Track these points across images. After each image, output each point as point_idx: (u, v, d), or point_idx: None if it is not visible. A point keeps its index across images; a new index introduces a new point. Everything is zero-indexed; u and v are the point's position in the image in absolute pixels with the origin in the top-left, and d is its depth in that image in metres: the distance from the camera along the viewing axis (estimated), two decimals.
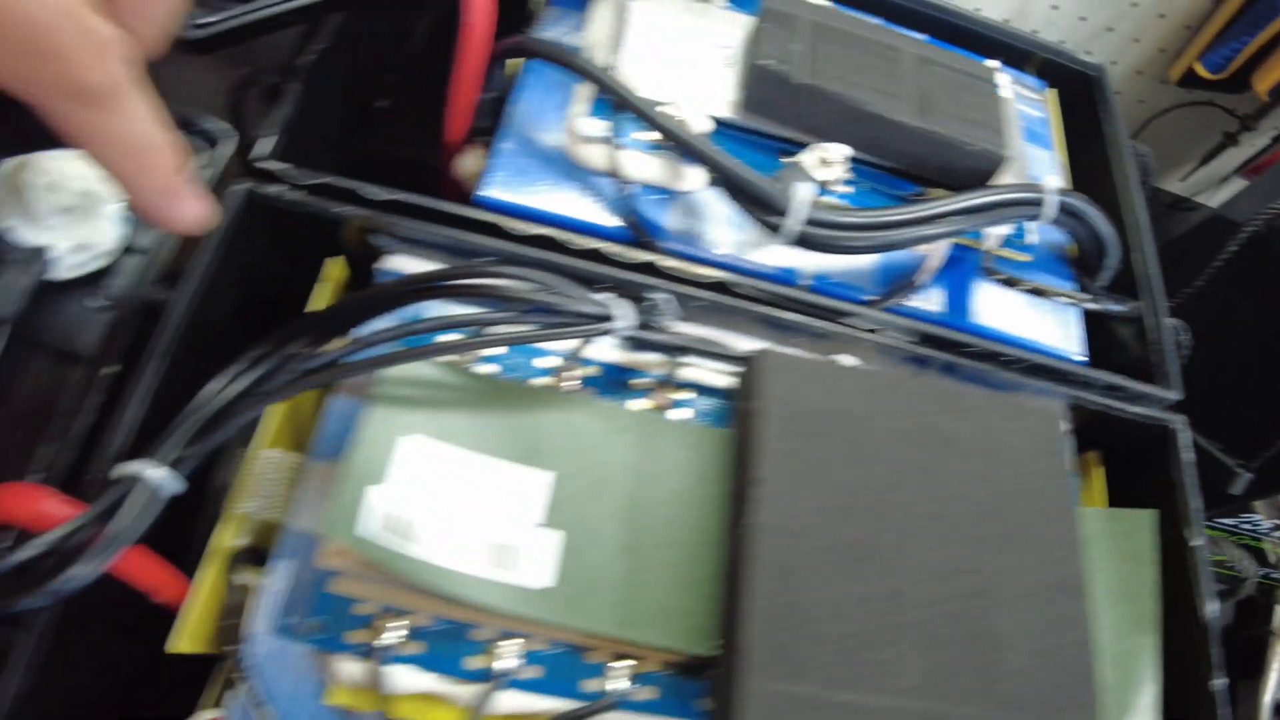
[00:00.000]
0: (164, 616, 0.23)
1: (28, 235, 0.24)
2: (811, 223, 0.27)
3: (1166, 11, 0.48)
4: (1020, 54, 0.38)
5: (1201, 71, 0.48)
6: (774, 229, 0.27)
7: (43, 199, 0.24)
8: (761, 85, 0.29)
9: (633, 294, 0.25)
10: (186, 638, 0.22)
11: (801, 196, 0.26)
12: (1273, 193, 0.41)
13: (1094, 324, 0.32)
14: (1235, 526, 0.42)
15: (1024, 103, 0.36)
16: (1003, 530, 0.24)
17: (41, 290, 0.24)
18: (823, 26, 0.30)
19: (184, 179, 0.18)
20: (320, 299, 0.27)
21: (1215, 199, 0.57)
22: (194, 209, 0.18)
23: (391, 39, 0.36)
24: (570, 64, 0.27)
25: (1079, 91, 0.38)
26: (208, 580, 0.23)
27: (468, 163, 0.30)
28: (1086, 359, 0.31)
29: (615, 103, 0.27)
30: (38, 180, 0.24)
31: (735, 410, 0.25)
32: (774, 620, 0.21)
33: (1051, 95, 0.38)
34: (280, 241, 0.28)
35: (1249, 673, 0.47)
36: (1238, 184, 0.55)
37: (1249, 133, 0.50)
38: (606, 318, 0.24)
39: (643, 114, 0.26)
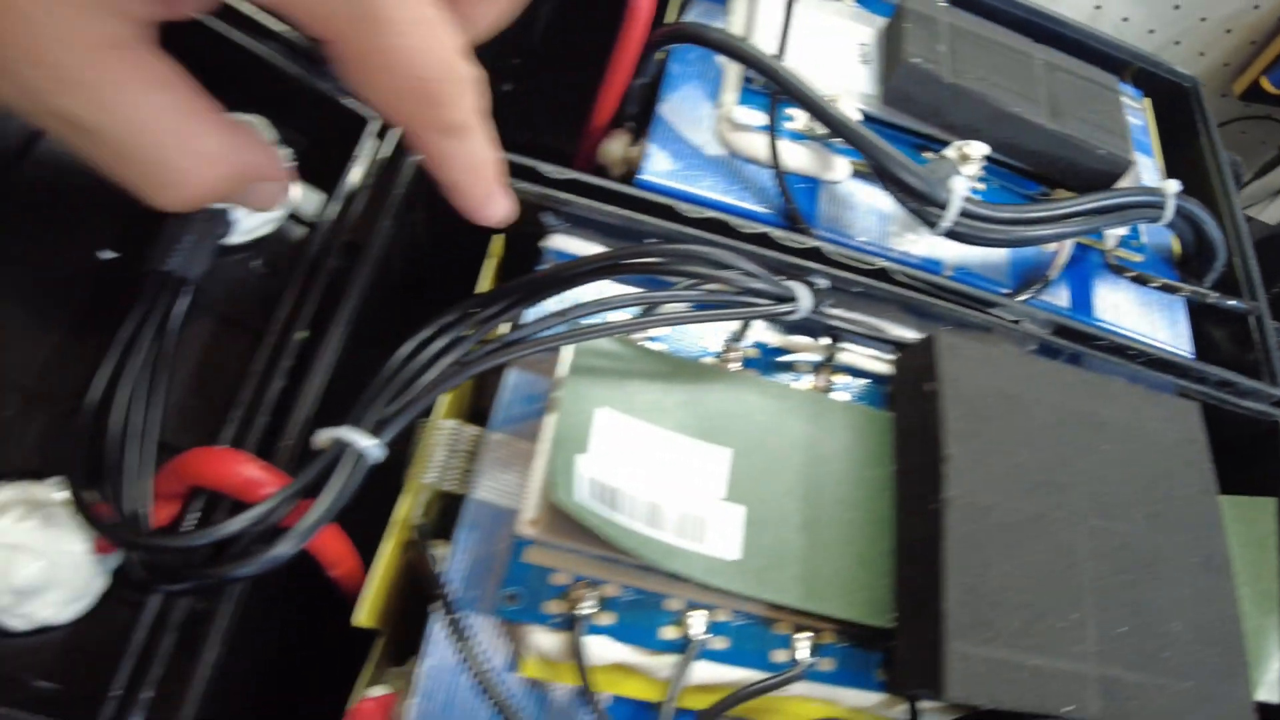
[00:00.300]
0: (325, 588, 0.23)
1: None
2: (968, 218, 0.28)
3: (1233, 27, 0.50)
4: (1117, 63, 0.39)
5: (1268, 86, 0.50)
6: (931, 221, 0.28)
7: None
8: (908, 81, 0.30)
9: (799, 276, 0.26)
10: (366, 612, 0.22)
11: (959, 192, 0.27)
12: None
13: (1195, 324, 0.34)
14: None
15: (1129, 111, 0.38)
16: (1154, 509, 0.25)
17: (218, 253, 0.24)
18: (960, 29, 0.31)
19: (502, 184, 0.21)
20: (487, 274, 0.27)
21: (1266, 213, 0.59)
22: (505, 207, 0.22)
23: (516, 24, 0.37)
24: (741, 53, 0.28)
25: (1172, 102, 0.40)
26: (390, 551, 0.23)
27: (614, 148, 0.31)
28: (1194, 354, 0.32)
29: (779, 93, 0.28)
30: None
31: (900, 392, 0.26)
32: (968, 589, 0.22)
33: (1147, 104, 0.39)
34: (437, 216, 0.28)
35: None
36: None
37: None
38: (791, 299, 0.24)
39: (814, 104, 0.27)
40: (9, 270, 0.23)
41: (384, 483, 0.24)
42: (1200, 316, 0.34)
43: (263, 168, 0.20)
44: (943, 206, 0.27)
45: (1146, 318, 0.32)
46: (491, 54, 0.36)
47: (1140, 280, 0.31)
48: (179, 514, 0.21)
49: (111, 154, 0.16)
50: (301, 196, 0.26)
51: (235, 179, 0.19)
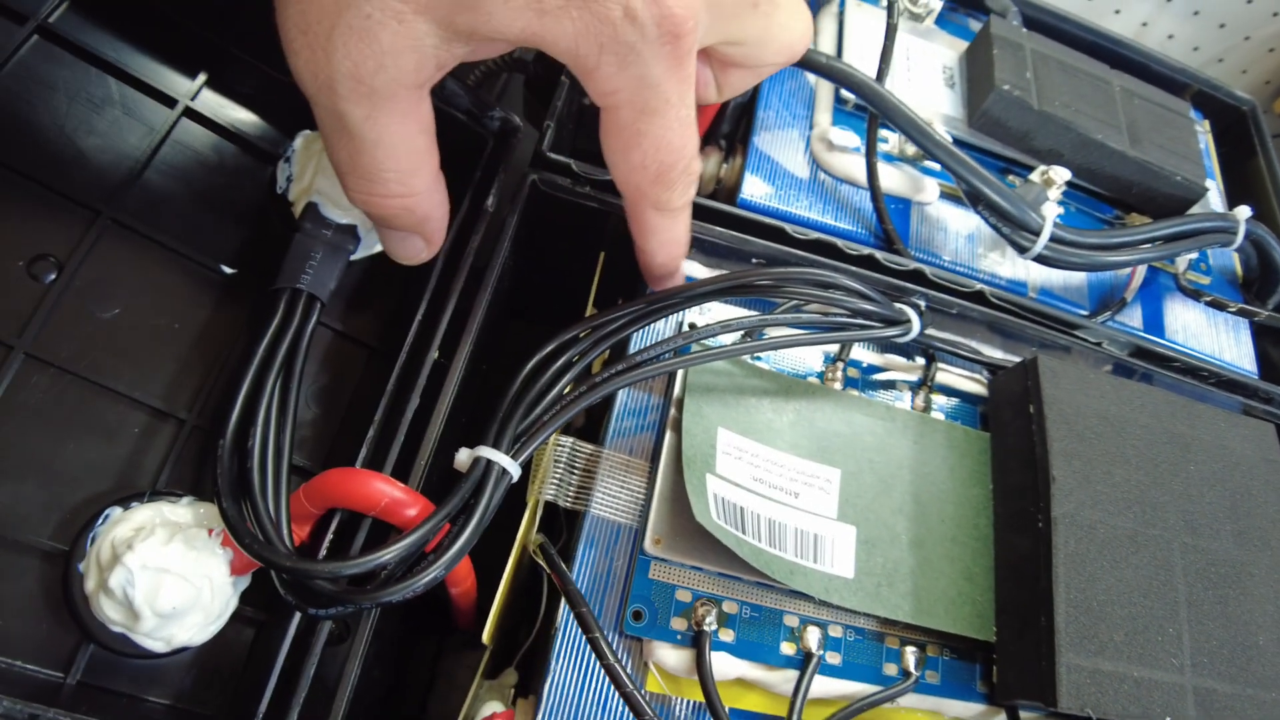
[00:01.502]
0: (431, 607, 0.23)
1: (338, 210, 0.24)
2: (1052, 240, 0.28)
3: (1277, 46, 0.51)
4: (1177, 85, 0.40)
5: None
6: (1022, 246, 0.28)
7: None
8: (998, 107, 0.30)
9: (904, 297, 0.27)
10: (491, 630, 0.23)
11: (1051, 217, 0.28)
12: None
13: (1257, 345, 0.35)
14: None
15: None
16: (1239, 527, 0.26)
17: (344, 270, 0.25)
18: (1042, 55, 0.32)
19: (682, 261, 0.24)
20: (597, 292, 0.27)
21: None
22: (678, 280, 0.25)
23: None
24: (846, 76, 0.28)
25: (1229, 123, 0.40)
26: (509, 573, 0.23)
27: (706, 166, 0.31)
28: (1260, 375, 0.33)
29: (877, 115, 0.28)
30: None
31: (996, 412, 0.27)
32: (1076, 604, 0.22)
33: (1206, 126, 0.40)
34: (543, 231, 0.28)
35: None
36: None
37: None
38: (904, 321, 0.25)
39: (916, 127, 0.27)
40: (131, 287, 0.23)
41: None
42: (1262, 337, 0.35)
43: (436, 225, 0.21)
44: (1034, 232, 0.28)
45: (1214, 339, 0.33)
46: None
47: (1217, 305, 0.32)
48: (311, 533, 0.22)
49: (348, 152, 0.18)
50: None
51: (413, 221, 0.20)
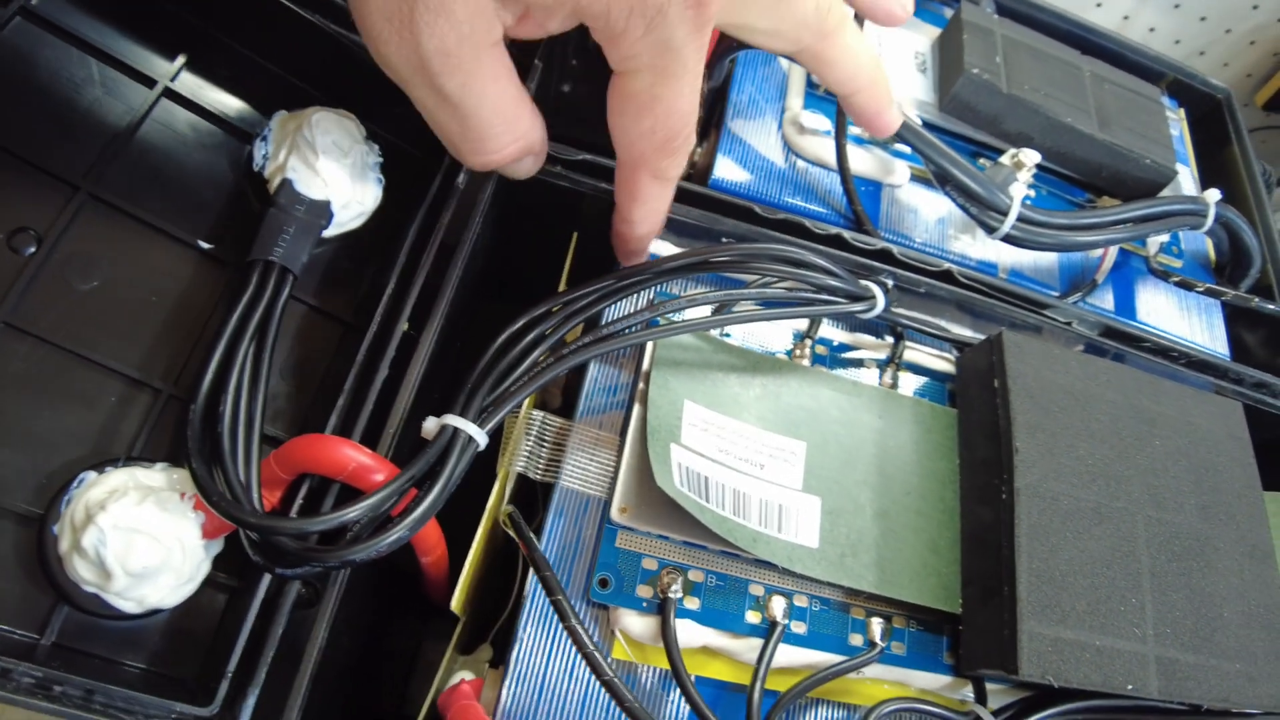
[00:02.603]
0: (403, 576, 0.24)
1: (310, 188, 0.24)
2: (1021, 221, 0.29)
3: (1257, 39, 0.51)
4: (1154, 74, 0.40)
5: None
6: (990, 226, 0.29)
7: (328, 151, 0.25)
8: (968, 91, 0.31)
9: (871, 278, 0.27)
10: (461, 600, 0.23)
11: (1018, 198, 0.29)
12: None
13: (1229, 327, 0.35)
14: None
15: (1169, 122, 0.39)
16: (1204, 501, 0.26)
17: (318, 244, 0.25)
18: (1013, 40, 0.32)
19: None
20: (569, 272, 0.28)
21: None
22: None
23: (576, 35, 0.37)
24: None
25: (1205, 112, 0.41)
26: (478, 543, 0.24)
27: None
28: (1231, 356, 0.34)
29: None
30: (321, 132, 0.25)
31: (963, 388, 0.27)
32: (1039, 573, 0.23)
33: (1182, 114, 0.40)
34: (516, 212, 0.29)
35: None
36: None
37: None
38: (868, 297, 0.25)
39: None
40: (110, 260, 0.23)
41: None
42: (1234, 320, 0.35)
43: (540, 144, 0.23)
44: (1002, 212, 0.28)
45: (1186, 320, 0.34)
46: (552, 55, 0.37)
47: (1185, 285, 0.32)
48: (281, 500, 0.22)
49: (457, 122, 0.20)
50: (385, 194, 0.27)
51: (525, 152, 0.22)
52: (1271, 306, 0.32)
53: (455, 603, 0.23)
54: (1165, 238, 0.34)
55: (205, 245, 0.24)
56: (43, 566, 0.20)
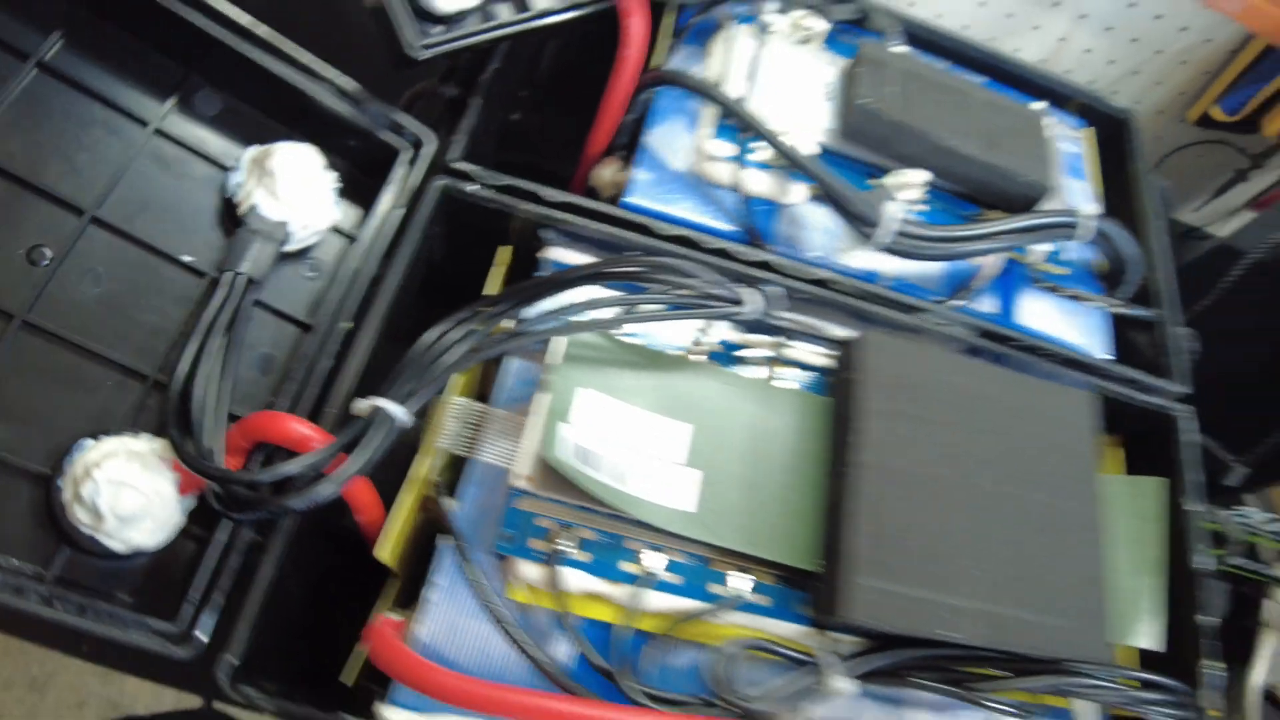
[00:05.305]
0: (349, 533, 0.28)
1: (272, 210, 0.30)
2: (898, 234, 0.33)
3: (1188, 59, 0.54)
4: (1062, 97, 0.44)
5: (1217, 114, 0.54)
6: (867, 238, 0.33)
7: (287, 180, 0.30)
8: (859, 119, 0.35)
9: (753, 284, 0.31)
10: (388, 549, 0.28)
11: (891, 213, 0.33)
12: (1275, 225, 0.48)
13: (1119, 331, 0.38)
14: (1228, 519, 0.48)
15: (1065, 140, 0.42)
16: (1042, 481, 0.30)
17: (279, 258, 0.30)
18: (909, 72, 0.36)
19: None
20: (494, 279, 0.33)
21: (1225, 229, 0.63)
22: None
23: (526, 60, 0.42)
24: (710, 95, 0.33)
25: (1112, 131, 0.44)
26: (409, 500, 0.28)
27: (605, 173, 0.36)
28: (1110, 357, 0.37)
29: (744, 129, 0.33)
30: (284, 165, 0.30)
31: (835, 381, 0.32)
32: (871, 535, 0.27)
33: (1089, 134, 0.44)
34: (457, 228, 0.34)
35: (1239, 659, 0.54)
36: (1246, 216, 0.61)
37: (1258, 170, 0.56)
38: (741, 301, 0.30)
39: (770, 140, 0.32)
40: (110, 271, 0.28)
41: (407, 453, 0.30)
42: (1125, 324, 0.38)
43: None
44: (876, 224, 0.32)
45: (1068, 324, 0.37)
46: (503, 86, 0.42)
47: (1053, 290, 0.36)
48: (244, 463, 0.27)
49: None
50: (342, 214, 0.32)
51: None
52: (1137, 311, 0.36)
53: (380, 549, 0.28)
54: (1049, 247, 0.37)
55: (187, 259, 0.29)
56: (50, 514, 0.26)
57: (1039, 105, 0.43)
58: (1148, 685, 0.29)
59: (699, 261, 0.30)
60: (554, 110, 0.39)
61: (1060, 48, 0.55)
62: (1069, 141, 0.43)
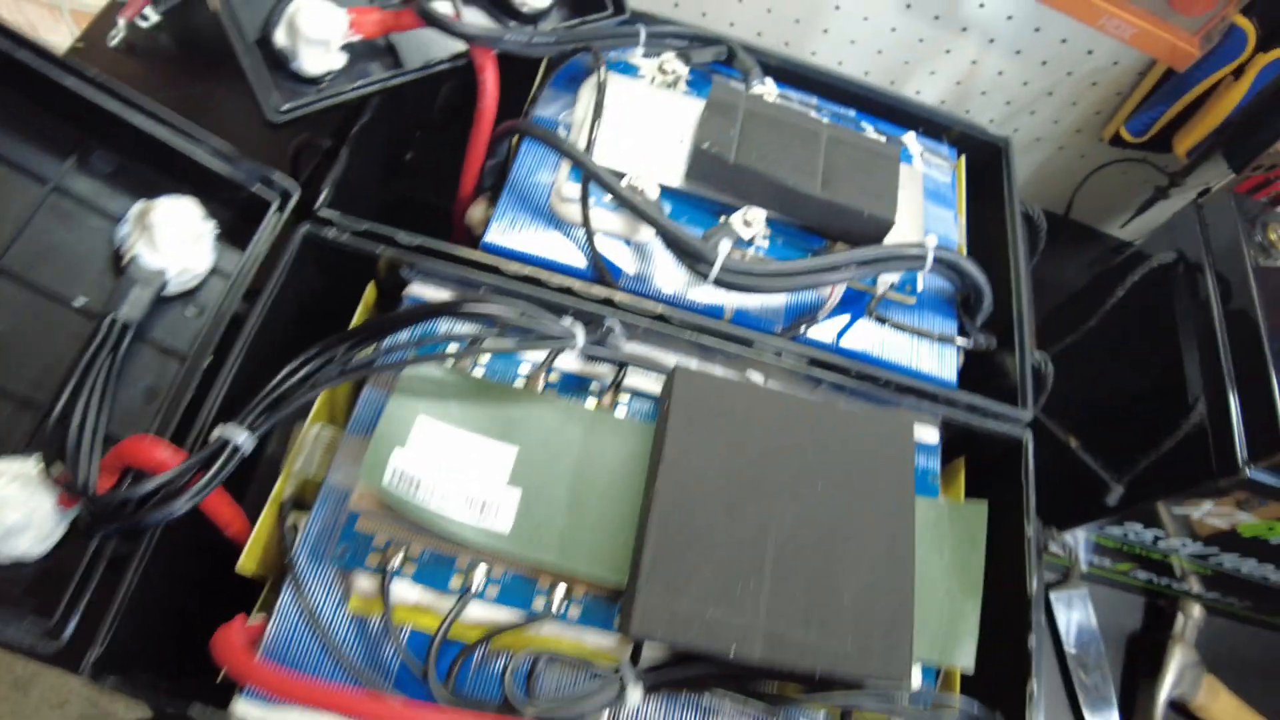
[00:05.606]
0: (226, 550, 0.32)
1: (152, 260, 0.33)
2: (731, 271, 0.35)
3: (1099, 80, 0.55)
4: (939, 126, 0.46)
5: (1126, 135, 0.55)
6: (702, 275, 0.35)
7: (165, 233, 0.33)
8: (701, 163, 0.37)
9: (595, 320, 0.34)
10: (251, 561, 0.31)
11: (722, 251, 0.35)
12: (1164, 243, 0.48)
13: (976, 355, 0.40)
14: (1124, 537, 0.49)
15: (935, 169, 0.44)
16: (854, 505, 0.32)
17: (156, 302, 0.34)
18: (754, 114, 0.39)
19: None
20: (360, 315, 0.36)
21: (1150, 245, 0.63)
22: None
23: (418, 103, 0.46)
24: (554, 144, 0.36)
25: (990, 159, 0.46)
26: (267, 517, 0.32)
27: (475, 212, 0.39)
28: (955, 383, 0.39)
29: (587, 178, 0.36)
30: (162, 219, 0.34)
31: (659, 410, 0.34)
32: (663, 555, 0.29)
33: (961, 162, 0.45)
34: (328, 269, 0.37)
35: (1150, 673, 0.55)
36: None
37: (1177, 188, 0.56)
38: (568, 338, 0.32)
39: (606, 185, 0.35)
40: (11, 313, 0.33)
41: (275, 470, 0.33)
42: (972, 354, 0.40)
43: None
44: (709, 262, 0.35)
45: (914, 352, 0.39)
46: (399, 126, 0.45)
47: (880, 320, 0.38)
48: (117, 483, 0.31)
49: None
50: (224, 258, 0.36)
51: None
52: (961, 341, 0.37)
53: (241, 563, 0.31)
54: (894, 278, 0.39)
55: (79, 303, 0.34)
56: None
57: (907, 135, 0.44)
58: (948, 706, 0.31)
59: (539, 300, 0.33)
60: (447, 147, 0.42)
61: (973, 70, 0.56)
62: (938, 170, 0.44)
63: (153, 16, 0.51)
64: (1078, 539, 0.52)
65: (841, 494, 0.32)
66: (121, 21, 0.58)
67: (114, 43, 0.59)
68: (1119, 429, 0.47)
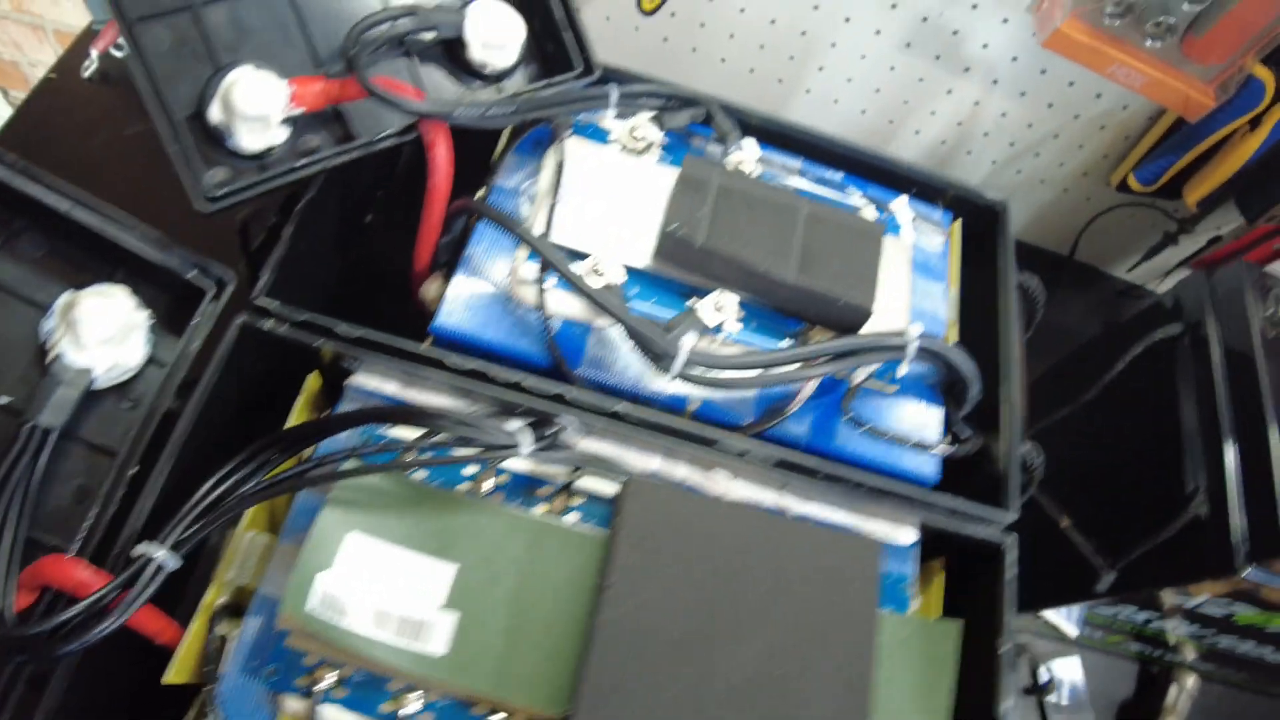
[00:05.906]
0: (162, 654, 0.31)
1: (77, 358, 0.32)
2: (695, 365, 0.33)
3: (1106, 124, 0.51)
4: (934, 189, 0.43)
5: (1134, 184, 0.52)
6: (665, 370, 0.33)
7: (90, 331, 0.32)
8: (669, 245, 0.35)
9: (546, 418, 0.32)
10: (178, 671, 0.30)
11: (684, 347, 0.33)
12: (1169, 302, 0.45)
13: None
14: (1115, 616, 0.47)
15: (926, 237, 0.41)
16: (810, 636, 0.30)
17: (86, 398, 0.32)
18: (728, 190, 0.36)
19: None
20: (300, 410, 0.34)
21: (1162, 287, 0.60)
22: None
23: (380, 162, 0.43)
24: (506, 227, 0.33)
25: (986, 224, 0.43)
26: (196, 629, 0.30)
27: (430, 289, 0.37)
28: (936, 478, 0.36)
29: (544, 265, 0.34)
30: (87, 316, 0.32)
31: (610, 520, 0.32)
32: (603, 692, 0.28)
33: (956, 227, 0.42)
34: (270, 358, 0.35)
35: None
36: (1184, 273, 0.58)
37: (1186, 235, 0.53)
38: (512, 446, 0.30)
39: (563, 274, 0.32)
40: None
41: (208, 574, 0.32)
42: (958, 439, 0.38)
43: None
44: (670, 357, 0.33)
45: (891, 449, 0.37)
46: (355, 190, 0.43)
47: (856, 424, 0.35)
48: (36, 602, 0.30)
49: None
50: (159, 348, 0.34)
51: None
52: (942, 447, 0.35)
53: (169, 675, 0.30)
54: (874, 368, 0.37)
55: (3, 401, 0.32)
56: None
57: (898, 201, 0.42)
58: None
59: (487, 396, 0.31)
60: (412, 207, 0.40)
61: (975, 111, 0.53)
62: (930, 239, 0.41)
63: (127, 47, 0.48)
64: (1073, 613, 0.49)
65: (800, 624, 0.30)
66: (94, 52, 0.56)
67: (87, 73, 0.57)
68: (1113, 509, 0.44)
